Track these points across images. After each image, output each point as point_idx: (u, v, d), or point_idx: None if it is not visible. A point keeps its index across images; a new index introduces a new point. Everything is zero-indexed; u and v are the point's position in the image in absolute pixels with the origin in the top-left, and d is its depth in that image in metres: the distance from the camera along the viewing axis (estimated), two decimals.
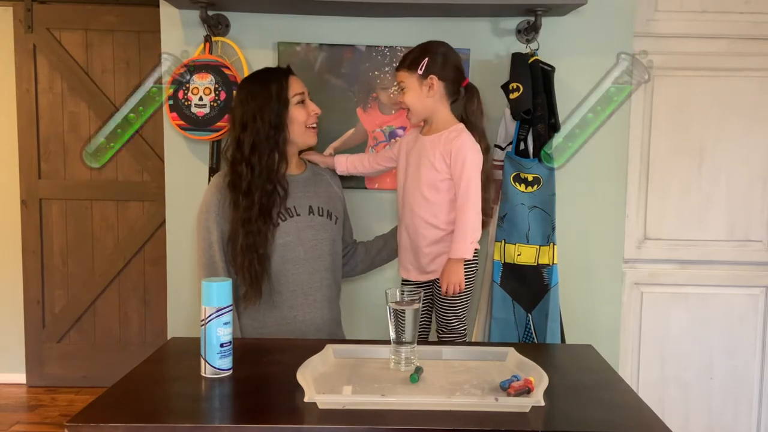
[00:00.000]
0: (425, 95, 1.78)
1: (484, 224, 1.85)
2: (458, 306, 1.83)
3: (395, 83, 1.85)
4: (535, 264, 2.02)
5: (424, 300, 1.79)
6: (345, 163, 1.99)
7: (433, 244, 1.82)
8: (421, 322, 1.88)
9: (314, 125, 1.88)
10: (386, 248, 2.04)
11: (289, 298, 1.82)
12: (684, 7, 2.31)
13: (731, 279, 2.38)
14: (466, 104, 1.85)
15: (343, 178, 2.03)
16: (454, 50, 1.83)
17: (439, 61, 1.78)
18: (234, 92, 1.98)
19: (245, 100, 1.80)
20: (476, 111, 1.84)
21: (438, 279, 1.81)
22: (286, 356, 1.46)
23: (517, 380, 1.27)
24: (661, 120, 2.35)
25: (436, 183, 1.78)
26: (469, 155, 1.74)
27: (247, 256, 1.74)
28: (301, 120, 1.83)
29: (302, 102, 1.84)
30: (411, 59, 1.79)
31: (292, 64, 1.95)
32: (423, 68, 1.76)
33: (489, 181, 1.88)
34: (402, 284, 1.91)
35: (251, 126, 1.77)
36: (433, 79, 1.77)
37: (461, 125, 1.81)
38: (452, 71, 1.80)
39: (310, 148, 1.95)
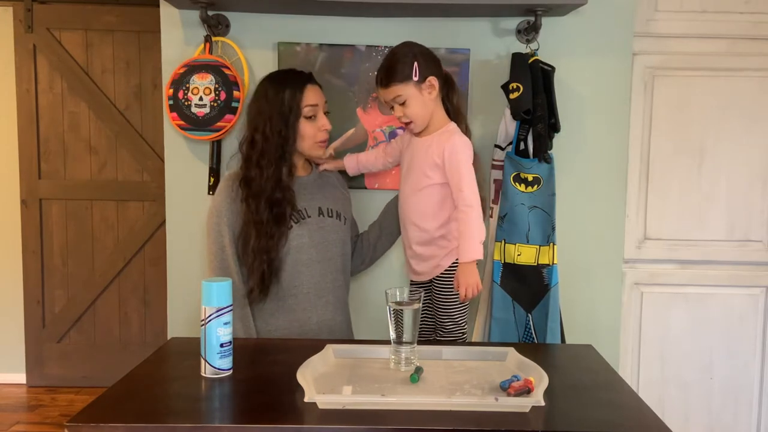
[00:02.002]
0: (428, 99, 1.74)
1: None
2: (454, 311, 1.82)
3: (389, 101, 1.76)
4: (535, 264, 2.02)
5: (424, 300, 1.79)
6: (356, 165, 1.99)
7: (421, 245, 1.81)
8: (423, 322, 1.88)
9: (324, 141, 1.85)
10: (383, 233, 2.03)
11: (303, 300, 1.81)
12: (684, 7, 2.31)
13: (731, 279, 2.38)
14: (448, 92, 1.81)
15: (345, 177, 2.03)
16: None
17: (425, 60, 1.74)
18: (235, 92, 1.99)
19: (260, 101, 1.79)
20: (459, 96, 1.83)
21: (434, 280, 1.81)
22: (286, 356, 1.46)
23: (517, 380, 1.27)
24: (661, 120, 2.35)
25: (425, 187, 1.77)
26: (463, 157, 1.72)
27: (258, 257, 1.74)
28: (310, 135, 1.81)
29: (314, 116, 1.81)
30: (398, 71, 1.72)
31: (292, 65, 1.94)
32: (417, 73, 1.72)
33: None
34: (410, 285, 1.91)
35: (261, 129, 1.77)
36: (432, 79, 1.74)
37: (453, 125, 1.79)
38: (437, 66, 1.78)
39: None
